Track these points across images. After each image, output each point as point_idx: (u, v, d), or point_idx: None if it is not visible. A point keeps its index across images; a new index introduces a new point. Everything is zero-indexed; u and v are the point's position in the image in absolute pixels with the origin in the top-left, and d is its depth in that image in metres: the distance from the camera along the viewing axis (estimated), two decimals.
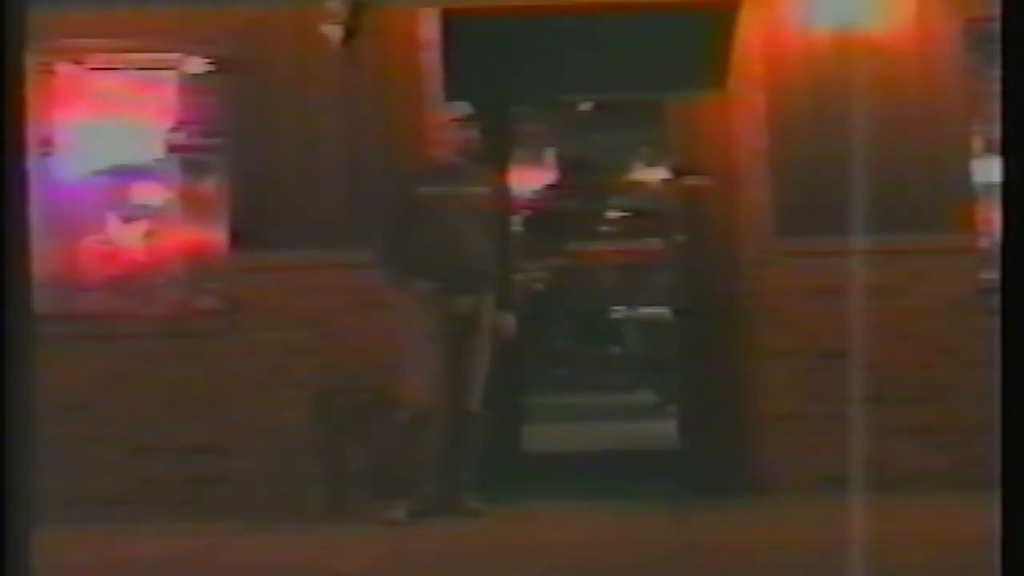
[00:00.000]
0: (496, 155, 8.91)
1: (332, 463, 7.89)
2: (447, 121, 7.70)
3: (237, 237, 8.14)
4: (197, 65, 8.29)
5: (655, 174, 14.23)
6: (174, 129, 8.28)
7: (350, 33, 8.10)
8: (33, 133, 6.75)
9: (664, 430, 9.61)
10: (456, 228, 7.51)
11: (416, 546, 7.00)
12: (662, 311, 11.29)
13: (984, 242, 7.97)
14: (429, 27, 8.23)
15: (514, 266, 7.65)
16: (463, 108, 7.74)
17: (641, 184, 16.13)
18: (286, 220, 8.12)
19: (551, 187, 16.59)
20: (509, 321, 7.73)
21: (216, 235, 8.23)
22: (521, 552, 6.73)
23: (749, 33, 8.29)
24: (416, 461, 7.49)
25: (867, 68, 7.00)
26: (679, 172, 8.85)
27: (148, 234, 8.27)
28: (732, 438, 8.21)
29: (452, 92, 8.20)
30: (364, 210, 7.78)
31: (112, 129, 8.26)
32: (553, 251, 18.05)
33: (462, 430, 7.52)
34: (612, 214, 18.07)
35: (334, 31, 8.06)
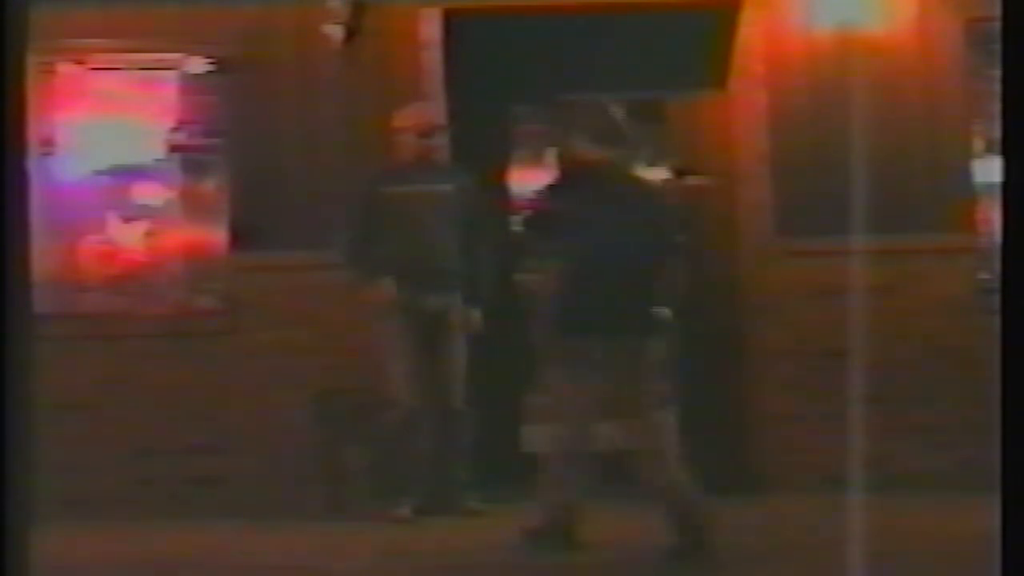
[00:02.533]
0: (496, 155, 8.92)
1: (332, 463, 7.90)
2: (414, 121, 7.66)
3: (237, 237, 8.14)
4: (198, 65, 8.29)
5: (655, 174, 14.22)
6: (175, 129, 8.28)
7: (351, 33, 8.09)
8: (34, 133, 6.76)
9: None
10: (421, 227, 7.47)
11: (416, 546, 7.00)
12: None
13: (984, 242, 7.97)
14: (429, 27, 8.23)
15: (512, 266, 7.62)
16: (425, 108, 7.72)
17: None
18: (286, 220, 8.12)
19: (551, 187, 16.55)
20: (476, 317, 7.67)
21: (216, 235, 8.23)
22: (521, 552, 6.73)
23: (750, 33, 8.29)
24: (409, 460, 7.50)
25: (867, 68, 7.00)
26: (679, 172, 8.84)
27: (148, 234, 8.27)
28: (732, 438, 8.21)
29: (453, 92, 8.20)
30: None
31: (113, 129, 8.26)
32: (553, 251, 18.02)
33: (450, 429, 7.52)
34: None
35: (335, 31, 8.06)
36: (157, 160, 8.26)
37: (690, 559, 6.29)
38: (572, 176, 6.92)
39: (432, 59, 8.22)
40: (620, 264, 6.51)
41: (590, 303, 6.50)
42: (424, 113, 7.74)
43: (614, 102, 7.30)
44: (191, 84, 8.29)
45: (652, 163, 15.26)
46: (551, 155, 7.19)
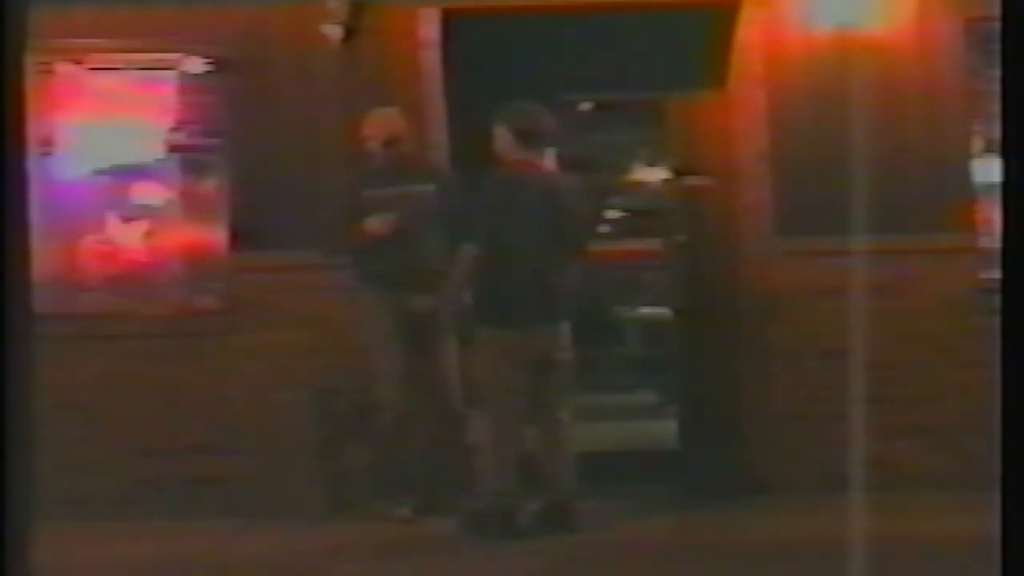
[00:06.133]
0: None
1: (332, 463, 7.89)
2: (376, 130, 7.62)
3: (237, 237, 8.14)
4: (197, 65, 8.29)
5: (655, 174, 14.23)
6: (174, 129, 8.28)
7: (350, 33, 8.09)
8: (33, 133, 6.76)
9: (664, 430, 9.61)
10: (403, 228, 7.42)
11: (416, 545, 7.00)
12: (662, 311, 11.28)
13: (984, 242, 7.97)
14: (429, 27, 8.23)
15: None
16: (388, 116, 7.67)
17: (641, 184, 16.13)
18: (286, 220, 8.12)
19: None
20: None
21: (216, 235, 8.23)
22: (521, 552, 6.74)
23: (749, 33, 8.29)
24: (408, 460, 7.49)
25: (867, 68, 6.99)
26: (679, 172, 8.85)
27: (148, 234, 8.27)
28: (732, 438, 8.21)
29: (452, 92, 8.19)
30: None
31: (112, 129, 8.26)
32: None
33: (447, 429, 7.51)
34: (612, 214, 18.06)
35: (334, 31, 8.06)
36: (157, 160, 8.27)
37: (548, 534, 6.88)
38: (493, 173, 7.21)
39: (431, 59, 8.22)
40: (526, 260, 6.94)
41: (499, 296, 6.94)
42: (387, 121, 7.61)
43: (544, 104, 7.39)
44: (190, 84, 8.29)
45: (652, 163, 15.28)
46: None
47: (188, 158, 8.27)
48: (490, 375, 7.02)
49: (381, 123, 7.62)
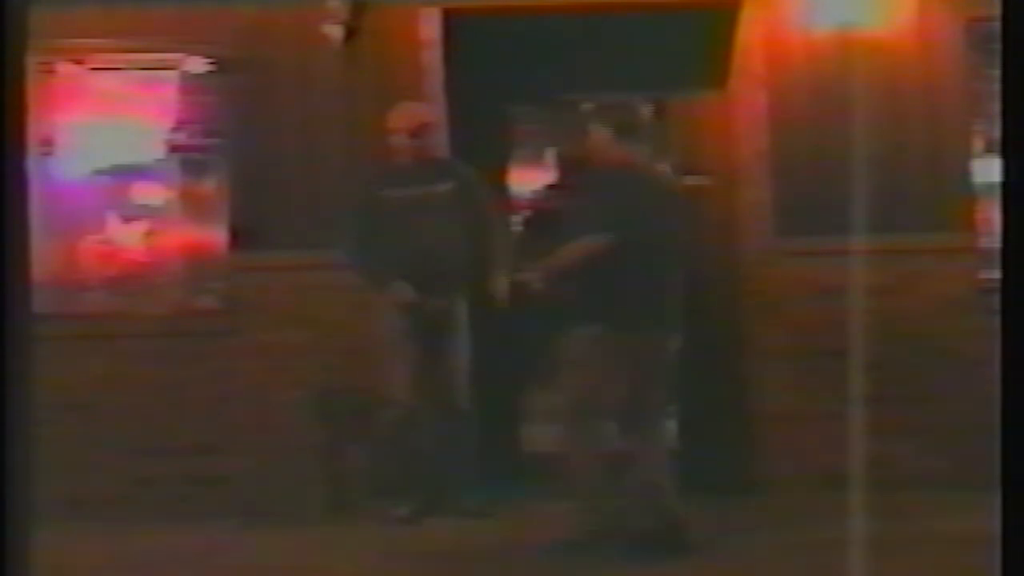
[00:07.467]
0: (495, 155, 8.91)
1: (332, 463, 7.90)
2: (404, 122, 7.62)
3: (237, 237, 8.14)
4: (197, 65, 8.29)
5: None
6: (174, 129, 8.28)
7: (351, 33, 8.09)
8: (33, 133, 6.76)
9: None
10: (419, 228, 7.42)
11: (416, 546, 7.00)
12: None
13: (984, 242, 7.97)
14: (429, 27, 8.23)
15: (513, 266, 7.63)
16: (414, 108, 7.67)
17: None
18: (286, 220, 8.12)
19: (550, 187, 16.52)
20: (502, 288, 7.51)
21: (216, 235, 8.23)
22: (521, 552, 6.73)
23: (750, 33, 8.29)
24: (409, 460, 7.50)
25: (867, 68, 6.99)
26: (679, 172, 8.84)
27: (148, 234, 8.27)
28: (732, 438, 8.21)
29: (452, 92, 8.19)
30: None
31: (112, 129, 8.26)
32: (553, 251, 17.95)
33: (453, 428, 7.51)
34: None
35: (335, 31, 8.05)
36: (157, 160, 8.27)
37: (667, 557, 6.40)
38: (591, 173, 6.94)
39: (432, 59, 8.22)
40: (646, 260, 6.57)
41: (615, 297, 6.53)
42: (413, 113, 7.65)
43: (637, 100, 7.31)
44: (191, 84, 8.29)
45: (652, 163, 15.21)
46: (555, 153, 7.11)
47: (188, 158, 8.27)
48: (591, 381, 6.56)
49: (407, 115, 7.62)
